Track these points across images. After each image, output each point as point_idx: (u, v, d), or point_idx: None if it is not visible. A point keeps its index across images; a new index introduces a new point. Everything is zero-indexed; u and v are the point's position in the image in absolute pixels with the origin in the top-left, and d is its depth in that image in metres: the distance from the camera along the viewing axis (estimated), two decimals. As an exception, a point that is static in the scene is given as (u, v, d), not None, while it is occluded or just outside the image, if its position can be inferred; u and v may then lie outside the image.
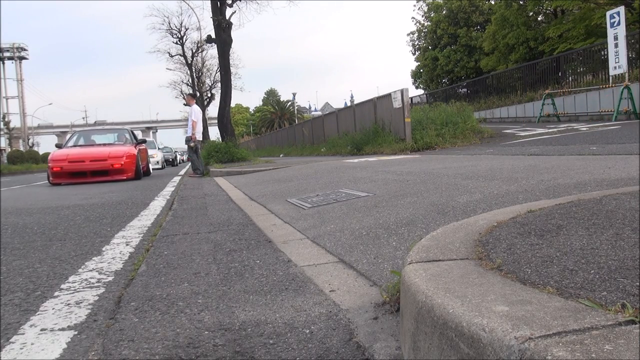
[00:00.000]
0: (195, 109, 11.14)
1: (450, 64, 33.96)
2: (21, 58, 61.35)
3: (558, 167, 3.50)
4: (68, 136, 12.75)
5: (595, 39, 18.88)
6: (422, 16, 37.11)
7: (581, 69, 16.95)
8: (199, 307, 1.62)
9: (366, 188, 3.87)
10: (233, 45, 15.98)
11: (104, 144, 11.69)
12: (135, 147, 11.43)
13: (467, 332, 0.80)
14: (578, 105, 14.70)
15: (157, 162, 18.77)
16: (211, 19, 15.31)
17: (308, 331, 1.36)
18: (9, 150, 44.56)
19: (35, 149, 53.55)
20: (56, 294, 1.87)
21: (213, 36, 15.80)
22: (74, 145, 11.71)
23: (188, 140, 10.98)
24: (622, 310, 0.79)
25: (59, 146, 11.75)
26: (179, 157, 35.69)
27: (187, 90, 36.86)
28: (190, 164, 12.21)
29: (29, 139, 57.78)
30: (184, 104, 38.43)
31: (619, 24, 12.09)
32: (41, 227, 3.69)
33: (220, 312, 1.56)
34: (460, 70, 33.60)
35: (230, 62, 17.05)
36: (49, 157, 10.66)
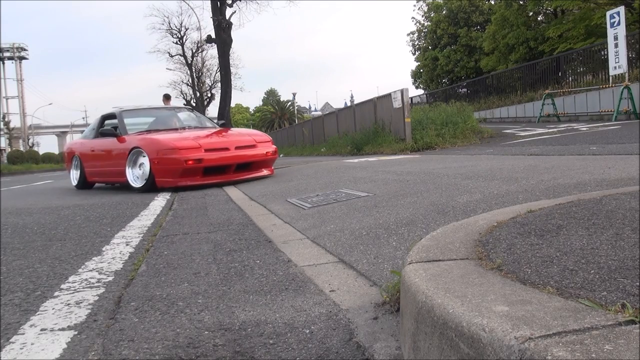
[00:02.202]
0: None
1: (450, 64, 33.96)
2: (21, 58, 61.35)
3: (558, 167, 3.50)
4: (95, 122, 8.31)
5: (595, 39, 18.88)
6: (422, 16, 37.12)
7: (581, 69, 16.95)
8: (199, 307, 1.62)
9: (366, 188, 3.87)
10: (233, 45, 15.98)
11: (194, 127, 7.71)
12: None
13: (467, 332, 0.80)
14: (578, 105, 14.70)
15: None
16: (211, 19, 15.31)
17: (308, 331, 1.36)
18: (9, 150, 44.55)
19: (35, 148, 53.54)
20: (56, 294, 1.87)
21: (213, 36, 15.79)
22: (150, 130, 7.36)
23: None
24: (622, 310, 0.79)
25: (106, 133, 7.39)
26: None
27: (187, 90, 36.88)
28: None
29: (29, 139, 57.78)
30: (183, 104, 38.43)
31: (619, 24, 12.09)
32: (41, 227, 3.69)
33: (220, 312, 1.56)
34: (460, 70, 33.59)
35: (230, 62, 17.05)
36: (166, 147, 6.24)
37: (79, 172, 8.17)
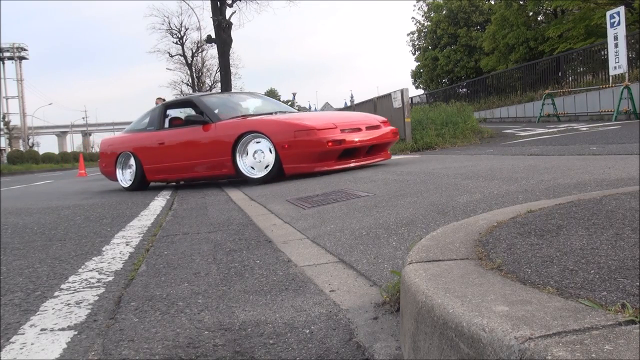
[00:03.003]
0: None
1: (450, 64, 33.97)
2: (21, 58, 61.42)
3: (558, 167, 3.50)
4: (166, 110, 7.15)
5: (595, 39, 18.89)
6: (422, 16, 37.16)
7: (581, 69, 16.95)
8: (199, 307, 1.62)
9: (366, 188, 3.87)
10: (233, 45, 15.99)
11: (284, 112, 6.82)
12: None
13: (467, 332, 0.80)
14: (578, 105, 14.70)
15: None
16: (211, 19, 15.32)
17: (308, 331, 1.36)
18: (9, 150, 44.57)
19: (35, 148, 53.55)
20: (56, 294, 1.87)
21: (213, 36, 15.80)
22: (246, 115, 6.39)
23: None
24: (622, 310, 0.79)
25: (194, 120, 6.32)
26: None
27: (187, 90, 36.88)
28: None
29: (29, 139, 57.79)
30: None
31: (619, 24, 12.09)
32: (41, 227, 3.69)
33: (220, 312, 1.56)
34: (460, 70, 33.61)
35: (230, 62, 17.06)
36: (301, 127, 5.45)
37: (131, 171, 7.08)
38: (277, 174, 5.55)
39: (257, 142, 5.69)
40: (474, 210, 2.37)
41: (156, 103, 12.42)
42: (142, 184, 7.06)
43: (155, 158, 6.76)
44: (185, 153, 6.40)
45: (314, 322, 1.43)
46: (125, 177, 7.26)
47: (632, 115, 11.71)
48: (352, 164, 5.63)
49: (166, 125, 7.00)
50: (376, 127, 5.92)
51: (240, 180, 6.38)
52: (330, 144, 5.36)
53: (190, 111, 7.18)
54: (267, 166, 5.64)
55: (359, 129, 5.70)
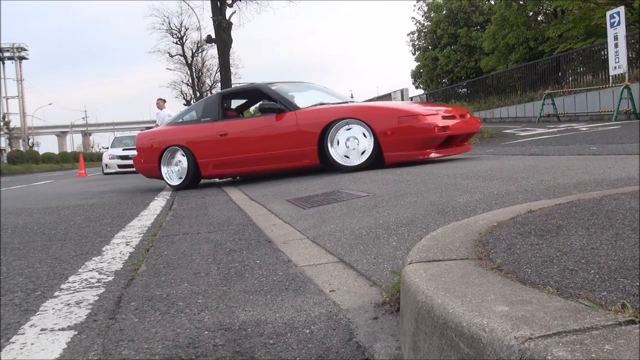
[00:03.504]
0: (161, 113, 11.78)
1: (450, 64, 33.97)
2: (21, 58, 61.44)
3: (558, 167, 3.50)
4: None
5: (595, 39, 18.89)
6: (422, 16, 37.15)
7: (581, 69, 16.96)
8: (199, 307, 1.62)
9: (366, 188, 3.87)
10: (233, 45, 15.99)
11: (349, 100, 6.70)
12: None
13: (467, 332, 0.80)
14: (578, 105, 14.70)
15: None
16: (211, 19, 15.32)
17: (308, 331, 1.36)
18: (9, 150, 44.57)
19: (35, 148, 53.57)
20: (56, 294, 1.87)
21: (213, 36, 15.80)
22: (323, 103, 6.07)
23: None
24: (622, 310, 0.79)
25: (269, 108, 5.89)
26: None
27: (187, 90, 36.91)
28: None
29: (29, 139, 57.80)
30: (183, 104, 38.49)
31: (619, 24, 12.09)
32: (41, 227, 3.69)
33: (220, 312, 1.56)
34: (460, 70, 33.61)
35: (230, 62, 17.06)
36: (406, 113, 5.20)
37: (180, 167, 6.52)
38: (375, 162, 5.26)
39: (348, 129, 5.37)
40: (474, 210, 2.37)
41: (157, 104, 12.49)
42: (195, 181, 6.55)
43: (213, 151, 6.25)
44: (256, 145, 5.98)
45: (314, 322, 1.43)
46: (172, 173, 6.61)
47: (632, 115, 11.71)
48: (446, 154, 5.42)
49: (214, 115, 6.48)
50: (464, 115, 5.70)
51: (240, 181, 6.38)
52: (436, 129, 5.08)
53: (247, 102, 6.82)
54: (363, 153, 5.31)
55: (454, 117, 5.43)
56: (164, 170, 6.66)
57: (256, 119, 6.22)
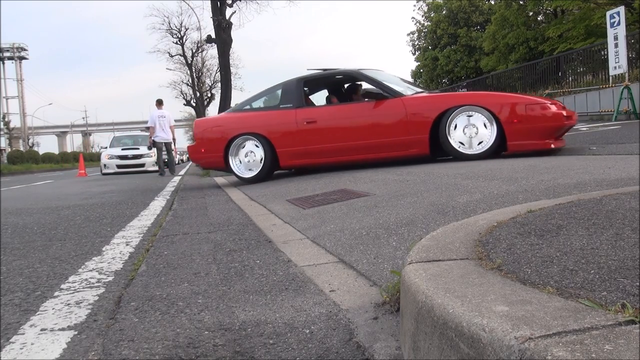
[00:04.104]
0: (155, 114, 12.15)
1: (450, 64, 33.97)
2: (21, 58, 61.46)
3: (558, 167, 3.49)
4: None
5: (595, 39, 18.90)
6: (422, 16, 37.15)
7: (581, 69, 16.96)
8: (199, 307, 1.62)
9: (366, 188, 3.87)
10: (233, 45, 15.97)
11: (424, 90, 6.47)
12: None
13: (467, 332, 0.80)
14: (578, 105, 14.69)
15: (156, 162, 17.07)
16: (211, 19, 15.30)
17: (308, 331, 1.36)
18: (9, 150, 44.57)
19: (35, 148, 53.57)
20: (56, 294, 1.87)
21: (213, 36, 15.79)
22: (423, 91, 6.00)
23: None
24: (622, 310, 0.79)
25: (375, 93, 5.59)
26: (178, 157, 35.59)
27: (187, 90, 36.90)
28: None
29: (29, 139, 57.81)
30: (183, 104, 38.49)
31: (619, 24, 12.08)
32: (41, 227, 3.69)
33: (220, 312, 1.56)
34: (460, 70, 33.61)
35: (230, 62, 17.04)
36: (533, 102, 5.07)
37: (251, 158, 6.00)
38: (496, 151, 5.06)
39: (469, 116, 5.13)
40: (474, 210, 2.37)
41: (156, 105, 12.50)
42: (271, 172, 6.06)
43: (298, 140, 5.79)
44: (352, 133, 5.63)
45: (314, 322, 1.43)
46: (243, 165, 6.05)
47: (632, 115, 11.70)
48: (559, 145, 5.17)
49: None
50: (564, 107, 5.38)
51: (239, 181, 6.34)
52: (564, 119, 4.96)
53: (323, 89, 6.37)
54: (480, 142, 5.10)
55: (564, 107, 5.22)
56: (232, 161, 6.08)
57: (351, 106, 5.90)
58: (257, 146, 5.99)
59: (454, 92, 5.68)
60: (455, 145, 5.16)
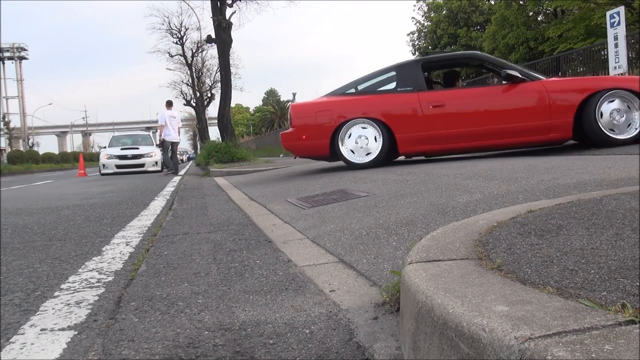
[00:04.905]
0: (166, 114, 12.54)
1: (450, 64, 33.96)
2: (21, 58, 61.50)
3: (558, 167, 3.50)
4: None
5: (595, 39, 18.91)
6: (422, 16, 37.19)
7: (581, 69, 16.96)
8: (199, 307, 1.62)
9: (366, 188, 3.87)
10: (233, 45, 15.97)
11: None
12: None
13: (467, 332, 0.80)
14: (578, 105, 14.67)
15: (156, 162, 16.91)
16: (211, 19, 15.30)
17: (308, 331, 1.36)
18: (9, 150, 44.57)
19: (35, 148, 53.57)
20: (56, 294, 1.87)
21: (213, 36, 15.79)
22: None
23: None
24: (622, 310, 0.79)
25: (515, 76, 5.24)
26: (178, 157, 35.50)
27: (187, 90, 36.90)
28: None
29: (29, 139, 57.83)
30: (183, 104, 38.50)
31: (619, 24, 12.08)
32: (41, 227, 3.69)
33: (220, 312, 1.56)
34: (460, 70, 33.63)
35: (230, 62, 17.04)
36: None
37: (364, 144, 5.52)
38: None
39: (611, 102, 4.99)
40: (474, 210, 2.37)
41: (166, 106, 12.66)
42: (388, 159, 5.69)
43: (420, 125, 5.43)
44: (485, 117, 5.35)
45: (314, 322, 1.43)
46: (354, 151, 5.56)
47: (632, 115, 11.71)
48: None
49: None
50: None
51: (241, 181, 6.35)
52: None
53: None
54: (629, 125, 4.97)
55: None
56: (342, 146, 5.58)
57: (482, 89, 5.75)
58: (368, 130, 5.54)
59: (598, 76, 5.65)
60: (603, 128, 4.97)
